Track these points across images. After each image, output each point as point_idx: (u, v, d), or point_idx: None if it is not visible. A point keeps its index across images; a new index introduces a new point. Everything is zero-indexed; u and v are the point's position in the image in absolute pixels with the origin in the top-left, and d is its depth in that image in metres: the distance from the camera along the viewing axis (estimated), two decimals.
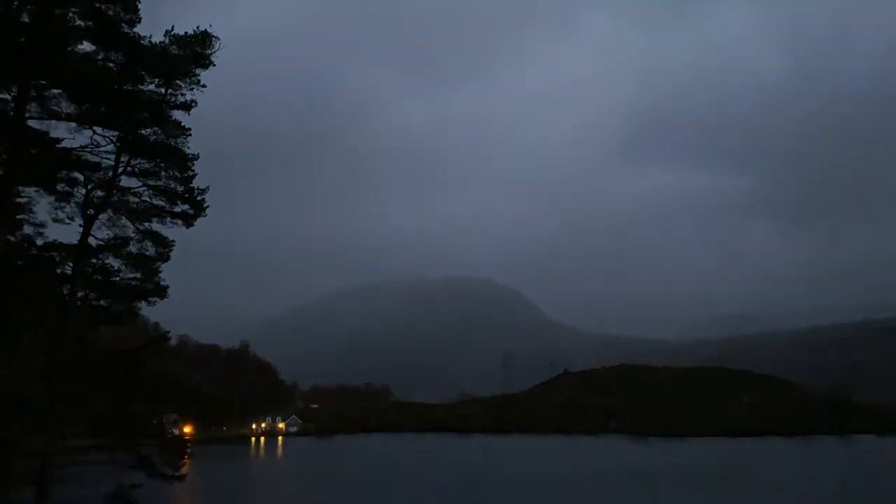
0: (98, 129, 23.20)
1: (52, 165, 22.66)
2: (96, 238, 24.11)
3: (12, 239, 23.14)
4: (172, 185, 24.49)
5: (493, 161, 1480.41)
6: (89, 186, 23.80)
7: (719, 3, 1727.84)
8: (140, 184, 24.52)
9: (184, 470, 26.34)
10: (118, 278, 25.01)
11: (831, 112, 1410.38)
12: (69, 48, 21.86)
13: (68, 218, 23.67)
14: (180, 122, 24.04)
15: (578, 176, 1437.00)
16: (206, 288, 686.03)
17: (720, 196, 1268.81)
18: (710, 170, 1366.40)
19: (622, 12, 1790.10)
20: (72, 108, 22.52)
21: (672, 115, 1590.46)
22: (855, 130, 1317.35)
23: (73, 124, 22.78)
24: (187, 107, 24.11)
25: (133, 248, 24.88)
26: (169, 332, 41.01)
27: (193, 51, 23.43)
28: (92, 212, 23.64)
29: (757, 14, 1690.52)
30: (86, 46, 22.38)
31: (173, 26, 23.29)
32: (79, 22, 21.66)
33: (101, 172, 23.77)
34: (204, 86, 23.89)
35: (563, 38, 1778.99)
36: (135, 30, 22.36)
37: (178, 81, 23.63)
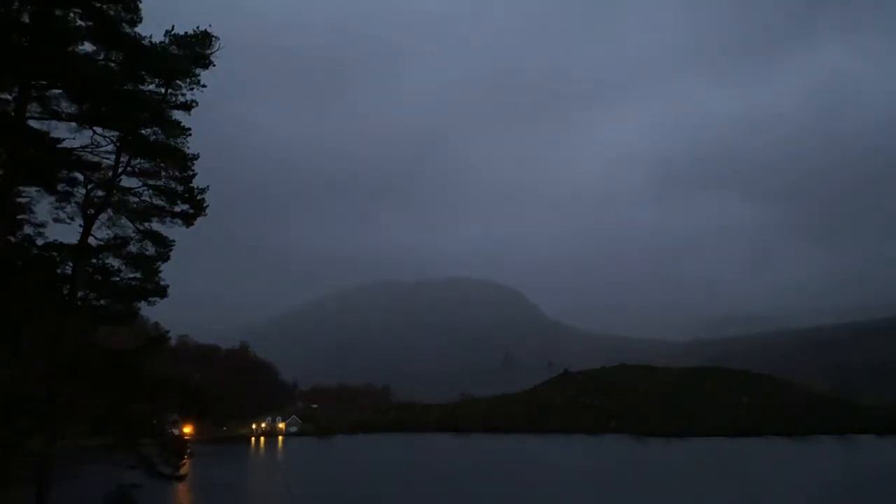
0: (98, 129, 23.20)
1: (52, 165, 22.63)
2: (96, 238, 24.11)
3: (12, 239, 23.13)
4: (172, 185, 24.49)
5: (529, 190, 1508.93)
6: (89, 186, 23.79)
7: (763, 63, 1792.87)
8: (140, 184, 24.52)
9: (184, 470, 26.31)
10: (118, 278, 24.97)
11: (834, 155, 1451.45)
12: (70, 48, 21.85)
13: (69, 218, 23.66)
14: (180, 122, 24.06)
15: (593, 195, 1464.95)
16: (207, 288, 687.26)
17: (725, 210, 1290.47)
18: (718, 193, 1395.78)
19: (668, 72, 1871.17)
20: (72, 108, 22.51)
21: (699, 155, 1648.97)
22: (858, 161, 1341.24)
23: (74, 124, 22.77)
24: (187, 107, 24.13)
25: (133, 248, 24.86)
26: (169, 332, 41.00)
27: (193, 51, 23.46)
28: (92, 212, 23.64)
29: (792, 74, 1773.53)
30: (86, 46, 22.39)
31: (173, 26, 23.33)
32: (79, 22, 21.66)
33: (102, 172, 23.78)
34: (204, 86, 23.92)
35: (621, 97, 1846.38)
36: (135, 30, 22.38)
37: (178, 81, 23.65)
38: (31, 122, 22.11)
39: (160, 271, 25.40)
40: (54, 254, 23.75)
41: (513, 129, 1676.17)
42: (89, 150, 23.36)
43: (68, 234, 23.73)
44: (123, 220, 24.60)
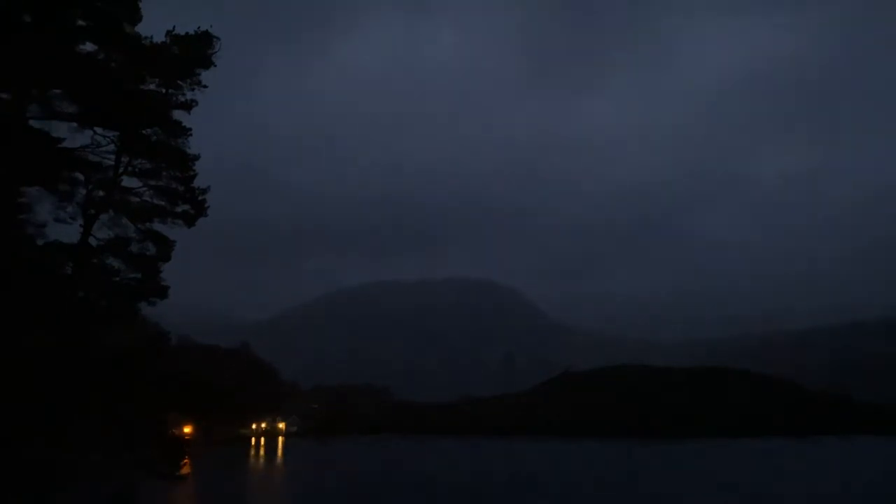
0: (98, 129, 23.19)
1: (52, 165, 22.62)
2: (97, 238, 24.08)
3: (13, 239, 23.11)
4: (173, 185, 24.49)
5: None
6: (90, 186, 23.78)
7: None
8: (141, 184, 24.52)
9: (184, 470, 26.29)
10: (118, 278, 24.95)
11: None
12: (70, 48, 21.83)
13: (69, 218, 23.64)
14: (181, 122, 24.07)
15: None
16: (207, 287, 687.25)
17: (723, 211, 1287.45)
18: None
19: None
20: (72, 108, 22.50)
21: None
22: None
23: (74, 124, 22.76)
24: (188, 107, 24.13)
25: (134, 248, 24.84)
26: (169, 332, 40.96)
27: (194, 51, 23.44)
28: (93, 212, 23.63)
29: None
30: (87, 46, 22.37)
31: (174, 26, 23.31)
32: (80, 22, 21.65)
33: (102, 172, 23.77)
34: (205, 86, 23.92)
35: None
36: (136, 29, 22.38)
37: (178, 81, 23.65)
38: (32, 122, 22.09)
39: (161, 271, 25.39)
40: (54, 254, 23.72)
41: None
42: (89, 150, 23.35)
43: (68, 234, 23.73)
44: (124, 221, 24.58)
